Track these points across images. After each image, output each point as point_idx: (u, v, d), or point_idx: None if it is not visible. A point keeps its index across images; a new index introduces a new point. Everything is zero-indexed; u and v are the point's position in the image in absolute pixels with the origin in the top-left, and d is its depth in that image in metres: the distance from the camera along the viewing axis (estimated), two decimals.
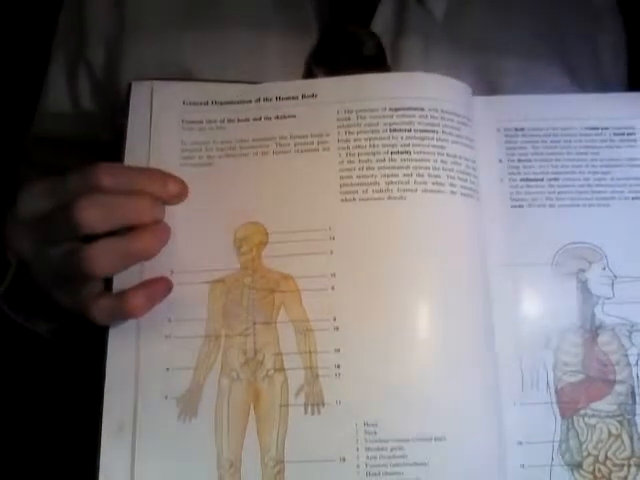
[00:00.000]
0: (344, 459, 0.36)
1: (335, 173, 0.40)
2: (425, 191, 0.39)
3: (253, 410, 0.37)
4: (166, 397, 0.37)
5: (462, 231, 0.40)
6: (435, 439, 0.36)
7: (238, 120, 0.41)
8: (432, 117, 0.40)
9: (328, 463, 0.36)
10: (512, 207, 0.42)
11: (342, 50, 0.49)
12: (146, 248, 0.36)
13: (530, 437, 0.38)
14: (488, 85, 0.50)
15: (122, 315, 0.37)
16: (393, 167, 0.39)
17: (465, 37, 0.52)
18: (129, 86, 0.42)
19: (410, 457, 0.36)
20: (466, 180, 0.40)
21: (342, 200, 0.39)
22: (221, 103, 0.42)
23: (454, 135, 0.41)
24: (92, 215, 0.35)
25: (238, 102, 0.42)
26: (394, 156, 0.40)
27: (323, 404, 0.37)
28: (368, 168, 0.40)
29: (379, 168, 0.39)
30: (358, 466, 0.36)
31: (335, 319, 0.38)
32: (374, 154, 0.40)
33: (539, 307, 0.41)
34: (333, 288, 0.38)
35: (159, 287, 0.37)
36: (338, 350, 0.37)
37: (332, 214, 0.39)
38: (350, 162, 0.40)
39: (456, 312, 0.38)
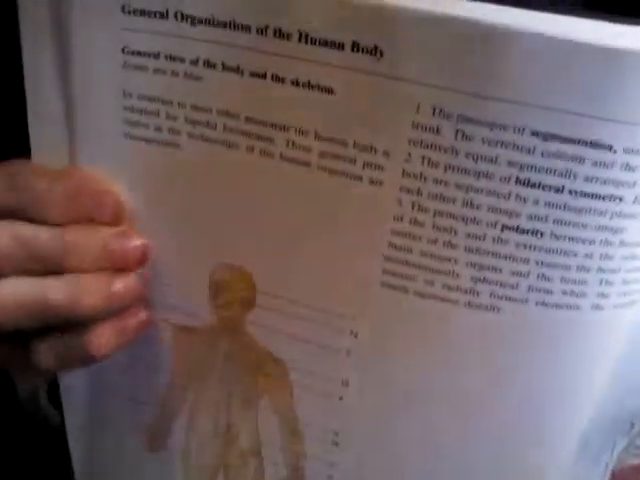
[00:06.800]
0: None
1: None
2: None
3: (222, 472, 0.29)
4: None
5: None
6: None
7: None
8: None
9: None
10: None
11: None
12: None
13: None
14: None
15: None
16: None
17: None
18: None
19: None
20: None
21: (382, 284, 0.22)
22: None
23: None
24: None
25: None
26: None
27: None
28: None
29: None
30: None
31: (337, 434, 0.26)
32: None
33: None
34: (341, 398, 0.25)
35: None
36: (333, 465, 0.27)
37: (364, 298, 0.23)
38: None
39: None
